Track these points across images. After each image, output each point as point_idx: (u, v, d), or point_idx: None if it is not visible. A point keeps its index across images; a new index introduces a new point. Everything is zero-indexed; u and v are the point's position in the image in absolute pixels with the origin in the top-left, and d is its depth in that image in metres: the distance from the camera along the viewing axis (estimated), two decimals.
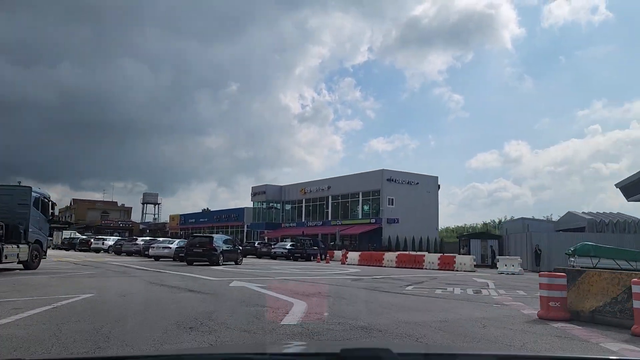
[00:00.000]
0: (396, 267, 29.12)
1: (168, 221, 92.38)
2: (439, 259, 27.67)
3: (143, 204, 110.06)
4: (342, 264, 33.10)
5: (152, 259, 30.94)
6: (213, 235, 25.92)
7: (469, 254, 33.34)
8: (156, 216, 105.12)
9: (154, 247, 30.60)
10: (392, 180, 49.47)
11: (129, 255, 38.58)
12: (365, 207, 51.80)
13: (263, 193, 61.99)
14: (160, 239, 37.70)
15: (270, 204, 62.78)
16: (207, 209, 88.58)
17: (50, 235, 70.58)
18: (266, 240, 52.36)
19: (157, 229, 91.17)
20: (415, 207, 50.38)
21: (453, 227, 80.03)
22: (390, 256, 30.30)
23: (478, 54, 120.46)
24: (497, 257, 27.06)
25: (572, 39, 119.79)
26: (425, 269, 27.65)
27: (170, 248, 30.03)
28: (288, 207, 62.96)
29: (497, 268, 26.12)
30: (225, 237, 27.59)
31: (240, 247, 30.21)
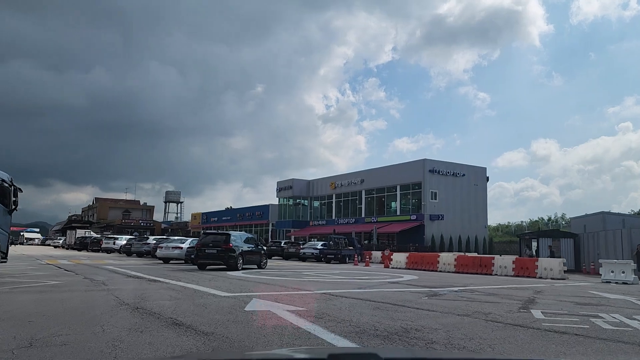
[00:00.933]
0: (456, 272, 23.57)
1: (190, 220, 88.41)
2: (513, 262, 21.96)
3: (165, 202, 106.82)
4: (385, 267, 27.70)
5: (161, 262, 26.18)
6: (230, 232, 20.87)
7: (538, 256, 27.49)
8: (178, 215, 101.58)
9: (162, 248, 25.80)
10: (435, 172, 43.72)
11: (139, 257, 34.07)
12: (404, 202, 46.17)
13: (289, 188, 56.93)
14: (172, 237, 32.97)
15: (297, 200, 57.73)
16: (230, 207, 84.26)
17: (63, 234, 66.88)
18: (293, 240, 47.29)
19: (178, 228, 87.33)
20: (461, 202, 44.56)
21: (494, 225, 73.45)
22: (447, 258, 24.71)
23: (505, 52, 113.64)
24: (600, 260, 21.14)
25: (602, 34, 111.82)
26: (496, 274, 22.02)
27: (182, 248, 25.16)
28: (316, 203, 57.82)
29: (601, 275, 20.25)
30: (246, 234, 22.52)
31: (264, 248, 25.05)
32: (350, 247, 33.97)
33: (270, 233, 61.72)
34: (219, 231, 21.76)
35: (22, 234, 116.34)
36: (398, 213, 45.91)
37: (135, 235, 42.57)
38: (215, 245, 20.02)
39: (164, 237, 37.35)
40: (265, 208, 64.61)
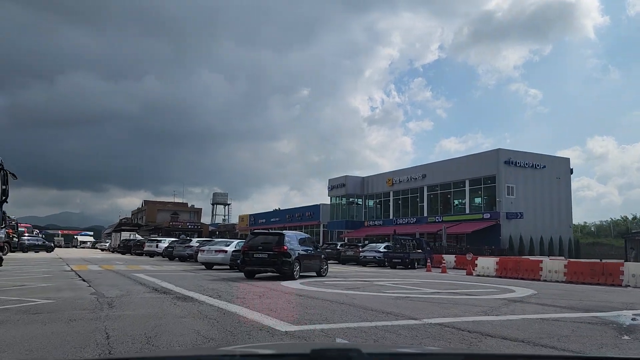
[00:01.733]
0: (567, 281, 18.46)
1: (237, 222, 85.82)
2: None
3: (213, 204, 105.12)
4: (468, 274, 22.86)
5: (203, 267, 22.50)
6: (284, 232, 16.74)
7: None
8: (226, 217, 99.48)
9: (204, 251, 22.08)
10: (512, 163, 38.20)
11: (182, 261, 30.73)
12: (477, 200, 40.85)
13: (342, 186, 52.59)
14: (216, 239, 29.37)
15: (351, 199, 53.35)
16: (278, 208, 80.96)
17: (109, 236, 65.47)
18: (349, 242, 42.91)
19: (226, 231, 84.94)
20: (542, 198, 38.81)
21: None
22: (553, 264, 19.61)
23: (557, 46, 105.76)
24: None
25: None
26: (628, 285, 16.81)
27: (226, 252, 21.33)
28: (371, 202, 53.24)
29: None
30: (301, 234, 18.36)
31: (323, 251, 20.77)
32: (418, 250, 29.25)
33: (321, 234, 57.70)
34: (270, 231, 17.58)
35: (75, 237, 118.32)
36: (467, 211, 40.63)
37: (180, 238, 39.41)
38: (265, 248, 15.95)
39: (208, 239, 33.90)
40: (315, 208, 60.63)
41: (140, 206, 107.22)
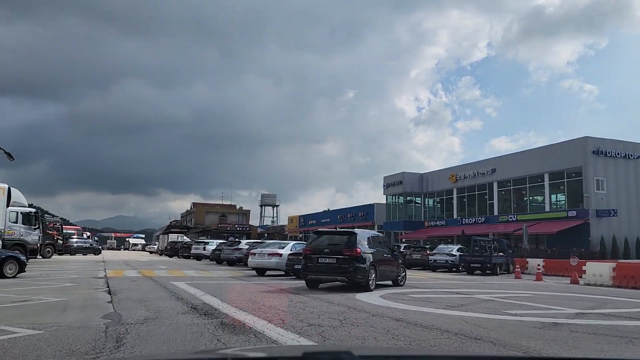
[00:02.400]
0: None
1: (286, 223, 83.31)
2: None
3: (261, 206, 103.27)
4: (572, 282, 18.66)
5: (254, 272, 19.47)
6: (356, 231, 13.31)
7: None
8: (274, 218, 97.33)
9: (255, 255, 19.00)
10: (602, 154, 33.19)
11: (230, 265, 27.97)
12: (560, 196, 35.99)
13: (399, 184, 48.64)
14: (268, 241, 26.41)
15: (409, 198, 49.33)
16: (328, 209, 77.77)
17: (158, 238, 64.20)
18: (403, 242, 38.95)
19: (275, 232, 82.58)
20: (638, 193, 33.57)
21: None
22: None
23: (614, 40, 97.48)
24: None
25: None
26: None
27: (280, 256, 18.15)
28: (431, 200, 49.03)
29: None
30: (372, 232, 14.87)
31: (396, 252, 17.12)
32: (500, 253, 25.10)
33: None
34: (339, 229, 14.05)
35: (127, 240, 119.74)
36: (547, 209, 35.82)
37: (228, 240, 36.76)
38: (333, 251, 12.57)
39: (259, 241, 31.02)
40: (369, 208, 56.93)
41: (190, 208, 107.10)
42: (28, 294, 10.27)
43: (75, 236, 51.83)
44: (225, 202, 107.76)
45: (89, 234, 79.31)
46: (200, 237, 61.43)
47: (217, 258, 30.37)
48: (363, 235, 13.19)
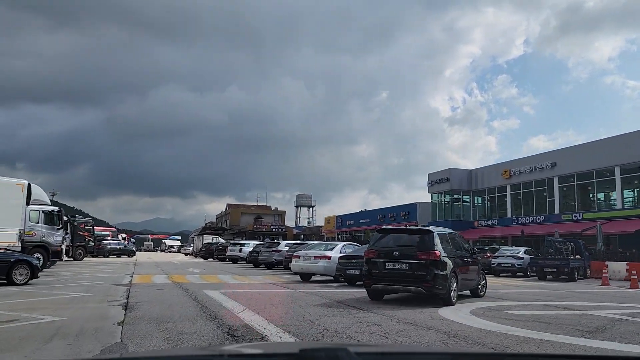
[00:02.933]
0: None
1: (323, 224, 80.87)
2: None
3: (297, 207, 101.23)
4: None
5: (298, 277, 17.02)
6: (432, 228, 10.61)
7: None
8: (310, 219, 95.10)
9: (299, 258, 16.49)
10: None
11: (268, 268, 25.68)
12: (631, 191, 32.15)
13: (445, 181, 45.35)
14: (313, 242, 23.95)
15: (456, 196, 45.98)
16: (365, 209, 74.86)
17: (193, 240, 62.93)
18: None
19: (311, 233, 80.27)
20: None
21: None
22: None
23: None
24: None
25: None
26: None
27: (329, 259, 15.61)
28: (479, 198, 45.55)
29: None
30: (446, 230, 12.05)
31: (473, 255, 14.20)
32: (577, 256, 21.81)
33: None
34: (412, 227, 11.07)
35: (163, 241, 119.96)
36: (619, 206, 31.99)
37: (265, 241, 34.49)
38: (405, 254, 9.89)
39: (299, 242, 28.61)
40: (412, 207, 53.73)
41: (225, 210, 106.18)
42: (22, 310, 8.05)
43: (109, 238, 50.84)
44: (260, 204, 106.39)
45: (124, 235, 78.99)
46: (235, 239, 59.72)
47: (254, 261, 28.13)
48: (440, 234, 10.47)
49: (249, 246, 34.20)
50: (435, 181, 46.69)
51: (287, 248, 25.13)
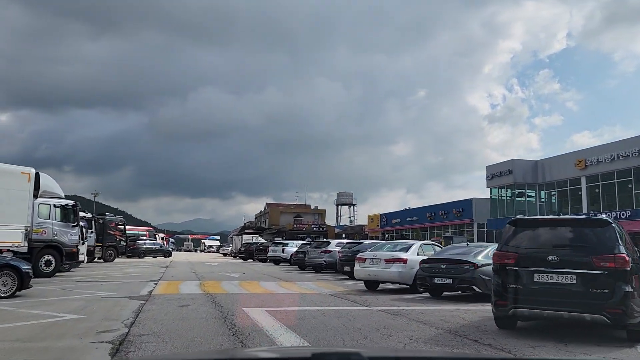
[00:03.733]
0: None
1: (366, 223, 76.94)
2: None
3: (337, 205, 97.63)
4: None
5: (359, 284, 13.38)
6: (607, 218, 6.80)
7: None
8: (352, 218, 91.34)
9: (364, 262, 12.79)
10: None
11: (317, 271, 22.25)
12: None
13: (508, 174, 40.61)
14: (378, 242, 20.32)
15: (519, 190, 41.21)
16: (408, 207, 70.42)
17: (232, 240, 60.31)
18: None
19: (353, 233, 76.49)
20: None
21: None
22: None
23: None
24: None
25: None
26: None
27: (405, 263, 11.89)
28: (545, 193, 40.62)
29: None
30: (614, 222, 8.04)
31: None
32: None
33: (475, 236, 46.21)
34: (565, 215, 7.33)
35: (203, 241, 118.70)
36: None
37: (313, 240, 31.00)
38: (568, 259, 6.08)
39: (354, 241, 24.97)
40: (466, 203, 49.14)
41: (263, 209, 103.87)
42: None
43: (145, 238, 48.67)
44: (299, 203, 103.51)
45: (163, 235, 77.46)
46: (275, 238, 56.80)
47: (300, 263, 24.70)
48: (618, 228, 6.58)
49: (293, 246, 30.87)
50: (495, 174, 42.01)
51: (339, 248, 21.57)
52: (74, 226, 16.24)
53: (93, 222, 22.33)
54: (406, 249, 12.64)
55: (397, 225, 62.95)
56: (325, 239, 29.98)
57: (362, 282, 13.29)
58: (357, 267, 12.87)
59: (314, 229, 79.10)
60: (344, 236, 71.53)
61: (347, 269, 17.54)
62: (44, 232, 15.37)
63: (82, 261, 19.24)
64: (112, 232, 29.66)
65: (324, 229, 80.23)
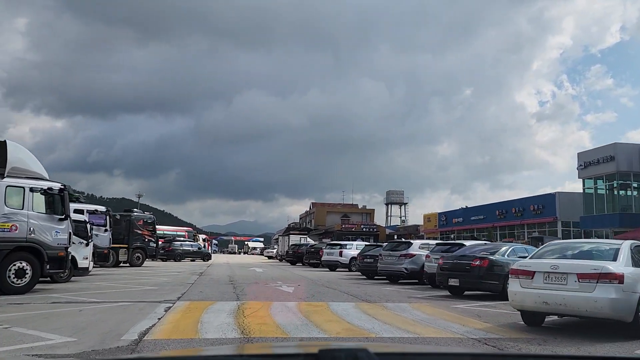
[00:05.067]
0: None
1: (421, 223, 70.52)
2: None
3: (387, 204, 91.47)
4: None
5: (510, 317, 7.62)
6: None
7: None
8: (404, 218, 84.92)
9: (531, 280, 7.07)
10: None
11: (391, 282, 16.77)
12: None
13: (609, 160, 33.43)
14: (477, 242, 14.62)
15: (624, 181, 34.03)
16: (466, 206, 63.37)
17: (277, 241, 55.48)
18: None
19: (407, 233, 70.18)
20: None
21: None
22: None
23: None
24: None
25: None
26: None
27: (618, 282, 6.13)
28: None
29: None
30: None
31: None
32: None
33: (560, 236, 39.15)
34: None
35: (246, 243, 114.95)
36: None
37: (373, 242, 25.30)
38: None
39: (455, 242, 19.16)
40: (548, 199, 42.10)
41: (309, 209, 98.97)
42: None
43: (184, 238, 44.32)
44: (345, 202, 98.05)
45: (204, 236, 73.64)
46: (322, 239, 51.55)
47: (367, 269, 19.14)
48: None
49: (352, 248, 25.41)
50: (590, 162, 34.85)
51: (426, 252, 15.95)
52: (61, 219, 11.32)
53: (108, 217, 17.65)
54: (611, 255, 6.85)
55: (459, 225, 56.33)
56: (403, 239, 24.33)
57: (517, 310, 7.59)
58: (515, 287, 7.13)
59: (364, 229, 73.29)
60: (395, 237, 65.39)
61: (453, 282, 11.95)
62: (14, 228, 10.51)
63: (87, 268, 14.42)
64: (139, 232, 25.10)
65: (375, 230, 74.29)
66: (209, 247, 67.47)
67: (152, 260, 28.14)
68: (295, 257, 33.45)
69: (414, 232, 71.49)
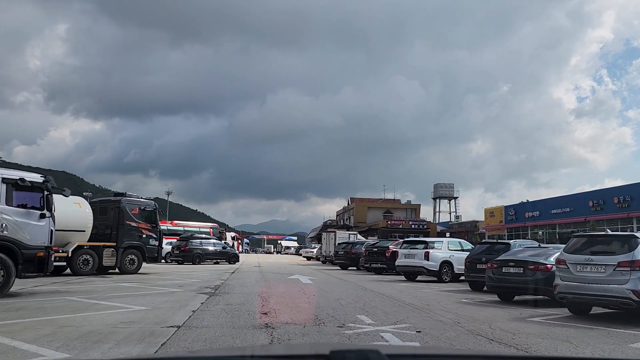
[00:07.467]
0: None
1: (482, 218, 61.43)
2: None
3: (434, 199, 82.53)
4: None
5: None
6: None
7: None
8: (458, 213, 75.78)
9: None
10: None
11: (510, 298, 8.35)
12: None
13: None
14: None
15: None
16: (527, 200, 54.10)
17: (319, 240, 47.54)
18: None
19: (463, 231, 61.26)
20: None
21: None
22: None
23: None
24: None
25: None
26: None
27: None
28: None
29: None
30: None
31: None
32: None
33: None
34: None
35: (279, 242, 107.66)
36: None
37: (528, 242, 16.63)
38: None
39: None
40: (636, 188, 32.87)
41: (347, 205, 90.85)
42: None
43: (209, 235, 36.79)
44: (387, 197, 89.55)
45: (234, 234, 66.41)
46: (369, 238, 43.52)
47: (476, 281, 10.97)
48: None
49: (442, 247, 17.23)
50: None
51: (574, 256, 7.68)
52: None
53: (45, 193, 9.82)
54: None
55: (534, 220, 47.22)
56: (542, 242, 15.99)
57: None
58: None
59: (413, 226, 64.77)
60: (447, 235, 56.49)
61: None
62: None
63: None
64: (134, 224, 17.66)
65: (425, 227, 65.60)
66: (239, 247, 60.28)
67: (156, 263, 20.74)
68: (347, 259, 25.43)
69: (471, 229, 62.61)
